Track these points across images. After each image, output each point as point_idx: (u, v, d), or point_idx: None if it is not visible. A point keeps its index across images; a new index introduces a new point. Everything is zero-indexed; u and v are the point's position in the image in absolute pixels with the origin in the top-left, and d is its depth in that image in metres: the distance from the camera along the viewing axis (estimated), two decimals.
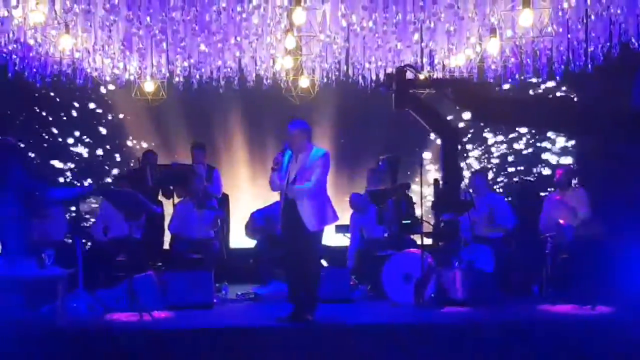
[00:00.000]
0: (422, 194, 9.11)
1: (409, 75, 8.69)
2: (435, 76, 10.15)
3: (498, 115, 6.81)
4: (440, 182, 8.67)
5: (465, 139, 7.25)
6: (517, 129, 12.77)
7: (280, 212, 8.18)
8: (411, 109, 8.27)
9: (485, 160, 13.37)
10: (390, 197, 9.59)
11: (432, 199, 9.42)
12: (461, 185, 8.13)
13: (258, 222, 10.52)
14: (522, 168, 13.24)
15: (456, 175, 6.62)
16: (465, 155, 8.55)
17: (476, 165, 12.85)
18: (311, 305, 7.98)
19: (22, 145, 9.27)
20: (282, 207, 8.13)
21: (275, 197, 9.34)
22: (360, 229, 10.51)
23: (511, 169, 13.29)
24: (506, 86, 10.98)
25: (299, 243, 8.00)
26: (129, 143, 13.22)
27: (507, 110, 6.69)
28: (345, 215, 10.86)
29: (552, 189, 10.61)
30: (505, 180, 13.29)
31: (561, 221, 9.55)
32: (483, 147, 13.41)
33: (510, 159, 13.29)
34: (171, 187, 10.85)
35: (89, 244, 10.73)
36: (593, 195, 9.89)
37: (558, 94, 12.05)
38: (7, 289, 8.02)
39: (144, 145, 12.74)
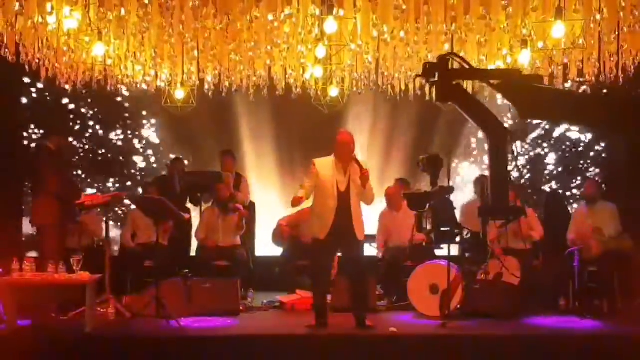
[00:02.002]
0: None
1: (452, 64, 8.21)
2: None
3: (553, 110, 6.38)
4: (487, 186, 8.17)
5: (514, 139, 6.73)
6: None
7: (332, 219, 8.22)
8: (455, 103, 7.55)
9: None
10: (429, 201, 9.02)
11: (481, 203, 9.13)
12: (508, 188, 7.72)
13: (285, 230, 10.54)
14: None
15: (505, 177, 6.23)
16: (515, 155, 8.08)
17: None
18: (368, 312, 8.37)
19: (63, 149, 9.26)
20: (335, 216, 8.19)
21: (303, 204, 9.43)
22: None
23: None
24: None
25: (353, 251, 8.31)
26: (158, 150, 13.28)
27: (564, 106, 6.30)
28: (371, 226, 10.88)
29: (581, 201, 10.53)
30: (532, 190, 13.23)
31: (588, 233, 9.51)
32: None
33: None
34: (199, 194, 10.90)
35: (117, 249, 10.78)
36: (621, 207, 9.83)
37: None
38: (37, 293, 8.09)
39: (173, 152, 12.78)
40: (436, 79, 6.70)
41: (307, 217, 10.22)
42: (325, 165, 8.23)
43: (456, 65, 6.56)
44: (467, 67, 6.78)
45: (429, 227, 8.98)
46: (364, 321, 8.15)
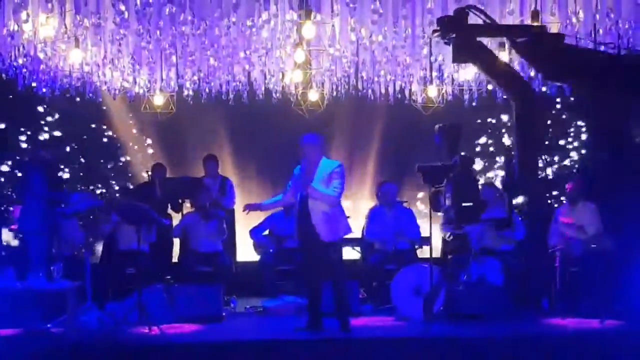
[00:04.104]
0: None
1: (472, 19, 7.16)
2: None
3: (580, 72, 5.78)
4: (513, 156, 7.11)
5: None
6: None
7: (295, 223, 8.22)
8: (475, 63, 6.90)
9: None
10: (447, 175, 8.08)
11: (503, 177, 8.45)
12: (539, 160, 6.89)
13: (257, 238, 10.53)
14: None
15: (533, 147, 5.54)
16: (543, 124, 7.20)
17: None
18: (347, 315, 8.17)
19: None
20: (297, 218, 8.19)
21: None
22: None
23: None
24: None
25: (315, 254, 8.12)
26: (138, 157, 13.23)
27: (592, 66, 5.74)
28: (354, 229, 10.86)
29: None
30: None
31: (570, 234, 9.54)
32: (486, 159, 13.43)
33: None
34: (180, 201, 10.87)
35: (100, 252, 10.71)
36: (602, 207, 9.86)
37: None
38: (18, 302, 8.04)
39: (153, 158, 12.74)
40: (453, 35, 6.29)
41: (276, 221, 10.29)
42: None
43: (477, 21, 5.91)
44: (488, 22, 6.17)
45: (447, 203, 8.11)
46: (346, 325, 8.11)
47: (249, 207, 8.70)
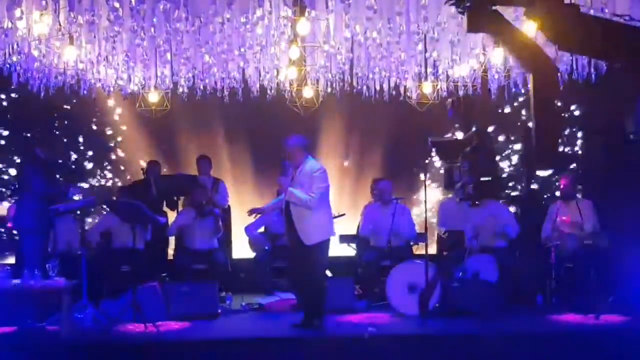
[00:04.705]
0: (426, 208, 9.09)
1: None
2: None
3: (594, 41, 5.53)
4: (532, 132, 6.83)
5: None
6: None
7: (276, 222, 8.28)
8: (491, 32, 6.71)
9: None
10: (463, 149, 7.98)
11: (523, 153, 8.06)
12: (560, 135, 6.57)
13: (252, 236, 10.52)
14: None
15: (555, 120, 5.32)
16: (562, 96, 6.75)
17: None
18: (318, 315, 8.07)
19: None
20: (285, 220, 8.25)
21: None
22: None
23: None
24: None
25: (299, 256, 8.17)
26: (133, 154, 13.21)
27: (608, 36, 5.56)
28: (350, 226, 10.87)
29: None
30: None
31: (564, 230, 9.55)
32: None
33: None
34: (175, 198, 10.86)
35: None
36: (596, 203, 9.87)
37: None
38: (13, 300, 8.03)
39: (148, 156, 12.72)
40: (468, 3, 6.07)
41: (271, 218, 10.28)
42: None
43: None
44: None
45: (464, 179, 7.81)
46: (309, 323, 8.10)
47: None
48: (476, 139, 7.76)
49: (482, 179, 7.86)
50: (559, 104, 10.74)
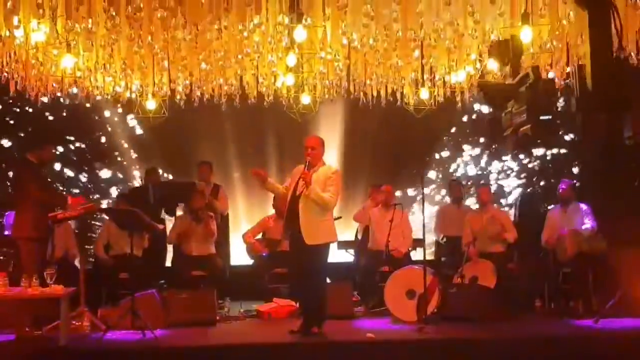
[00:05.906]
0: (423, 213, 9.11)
1: None
2: None
3: None
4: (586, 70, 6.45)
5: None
6: None
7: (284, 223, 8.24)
8: None
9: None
10: (514, 93, 7.31)
11: (576, 94, 7.76)
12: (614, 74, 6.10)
13: (256, 244, 10.51)
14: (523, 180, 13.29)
15: (607, 58, 5.08)
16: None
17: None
18: (318, 319, 8.05)
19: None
20: (286, 218, 8.20)
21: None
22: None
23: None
24: None
25: (298, 256, 8.12)
26: (131, 161, 13.22)
27: None
28: (347, 231, 10.89)
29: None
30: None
31: (563, 234, 9.56)
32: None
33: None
34: (173, 205, 10.87)
35: (91, 260, 10.70)
36: (594, 207, 9.88)
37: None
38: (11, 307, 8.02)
39: (146, 163, 12.73)
40: None
41: (269, 224, 10.27)
42: (298, 170, 8.21)
43: None
44: None
45: (518, 120, 7.26)
46: (308, 327, 8.06)
47: (257, 173, 8.29)
48: (533, 75, 7.24)
49: (541, 117, 7.26)
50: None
